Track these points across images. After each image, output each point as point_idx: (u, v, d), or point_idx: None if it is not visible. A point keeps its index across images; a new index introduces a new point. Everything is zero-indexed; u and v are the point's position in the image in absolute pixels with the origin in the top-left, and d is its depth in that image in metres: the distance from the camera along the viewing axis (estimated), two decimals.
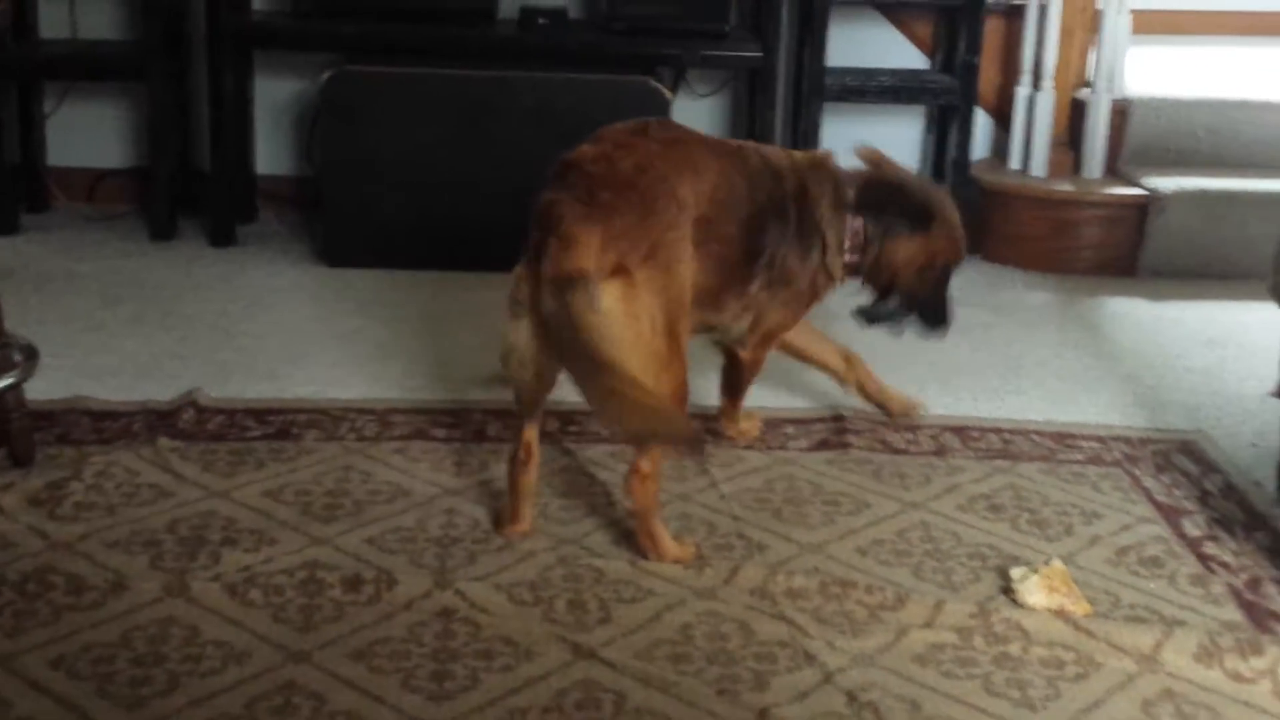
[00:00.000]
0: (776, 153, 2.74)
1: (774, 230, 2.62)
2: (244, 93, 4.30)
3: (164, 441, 2.78)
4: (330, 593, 2.27)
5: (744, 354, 2.81)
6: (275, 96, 4.49)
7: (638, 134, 2.51)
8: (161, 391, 3.05)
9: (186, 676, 2.04)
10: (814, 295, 2.76)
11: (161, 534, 2.44)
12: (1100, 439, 3.02)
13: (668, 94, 4.02)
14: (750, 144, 2.76)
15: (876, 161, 2.76)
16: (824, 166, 2.72)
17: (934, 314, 2.81)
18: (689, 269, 2.42)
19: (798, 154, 2.77)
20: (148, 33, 4.12)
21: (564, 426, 2.96)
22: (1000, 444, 2.97)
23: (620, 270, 2.27)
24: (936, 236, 2.72)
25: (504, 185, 4.00)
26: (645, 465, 2.39)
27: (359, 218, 4.02)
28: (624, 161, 2.40)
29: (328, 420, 2.95)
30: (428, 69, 4.03)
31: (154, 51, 4.11)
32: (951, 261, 2.77)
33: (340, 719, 1.95)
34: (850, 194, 2.69)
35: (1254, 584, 2.42)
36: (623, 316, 2.25)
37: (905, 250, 2.71)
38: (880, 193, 2.70)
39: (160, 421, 2.88)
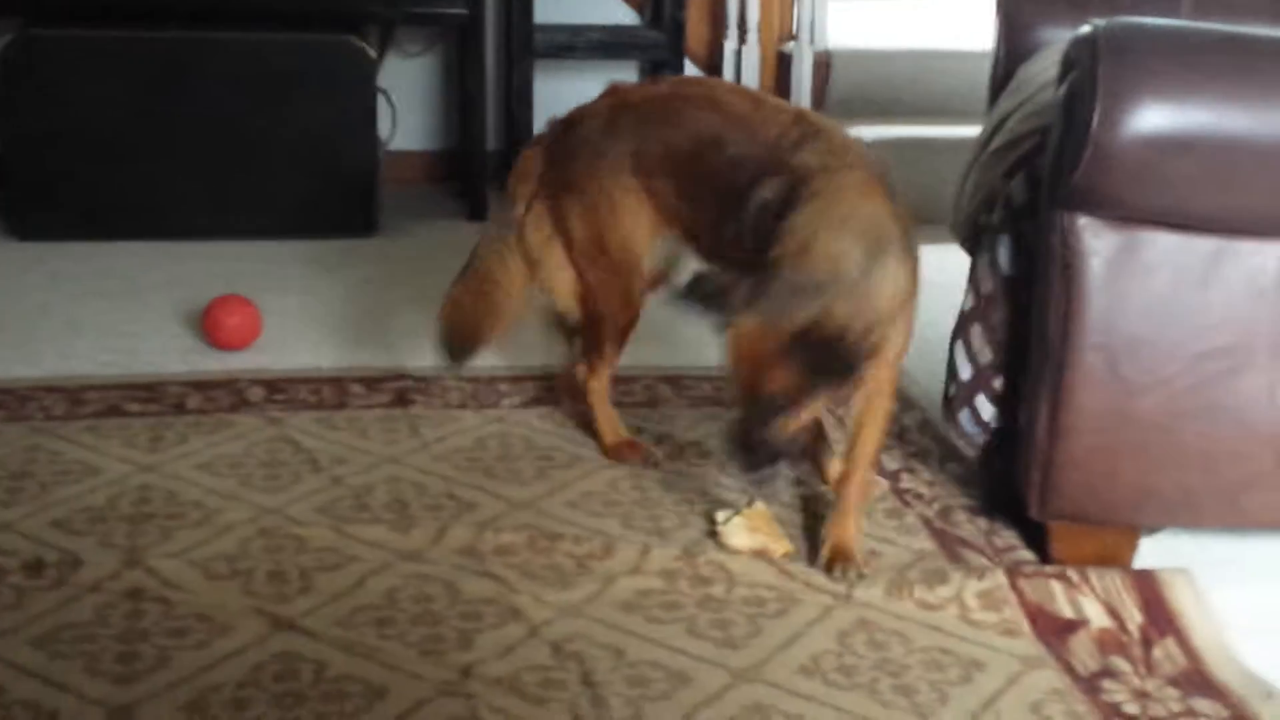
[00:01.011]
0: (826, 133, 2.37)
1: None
2: None
3: None
4: (9, 579, 2.15)
5: None
6: None
7: (626, 88, 2.66)
8: None
9: None
10: None
11: None
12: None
13: (371, 53, 3.94)
14: (802, 116, 2.42)
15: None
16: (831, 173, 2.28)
17: None
18: (617, 209, 2.53)
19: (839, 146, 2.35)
20: None
21: (270, 395, 2.88)
22: (712, 391, 3.01)
23: (537, 199, 2.60)
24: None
25: (202, 150, 3.88)
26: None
27: (49, 188, 3.83)
28: (580, 112, 2.61)
29: (13, 400, 2.80)
30: (118, 30, 3.86)
31: None
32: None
33: (18, 709, 1.85)
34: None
35: (945, 513, 2.51)
36: (536, 236, 2.61)
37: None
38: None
39: None
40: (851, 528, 2.30)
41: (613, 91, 2.64)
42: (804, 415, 2.14)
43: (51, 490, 2.44)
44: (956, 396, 2.46)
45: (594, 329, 2.65)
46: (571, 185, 2.56)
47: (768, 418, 2.10)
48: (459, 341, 2.73)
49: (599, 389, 2.70)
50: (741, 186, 2.38)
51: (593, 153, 2.54)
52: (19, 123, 3.81)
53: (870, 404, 2.32)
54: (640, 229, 2.55)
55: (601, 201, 2.54)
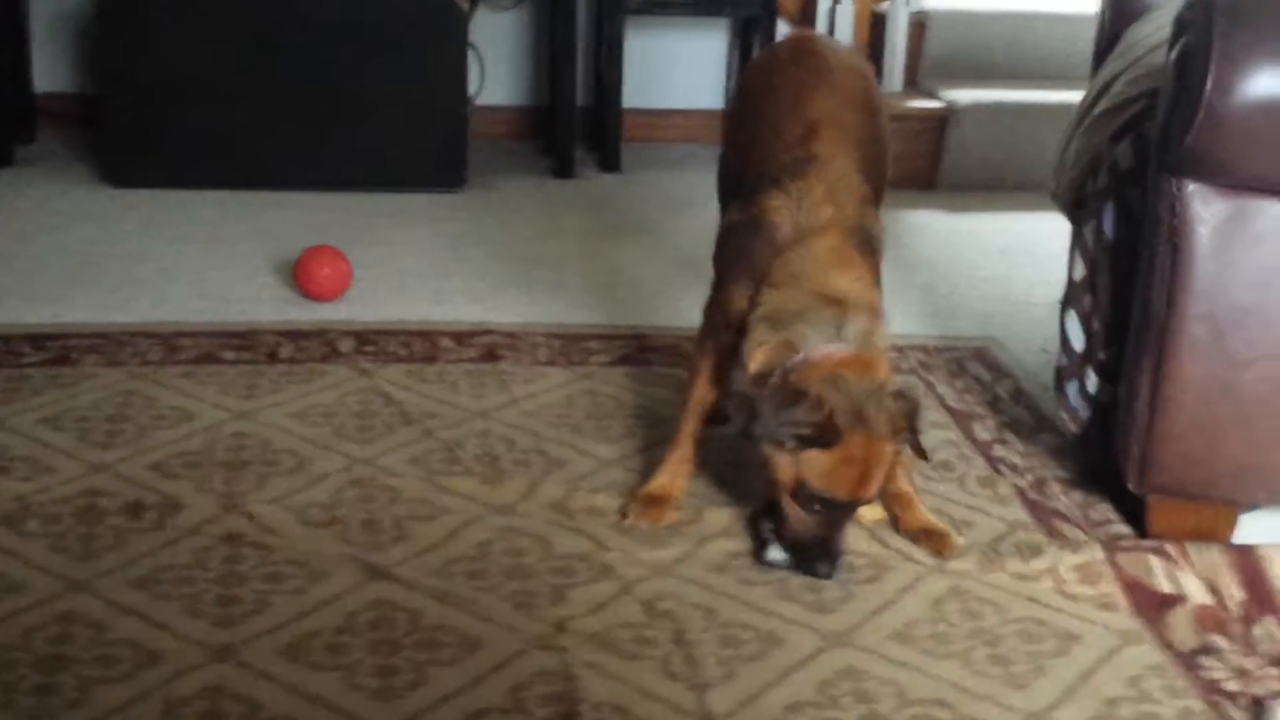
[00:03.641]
0: None
1: None
2: (17, 5, 4.08)
3: None
4: (111, 520, 2.18)
5: None
6: (54, 9, 4.28)
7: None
8: None
9: None
10: None
11: None
12: (897, 348, 3.04)
13: (462, 6, 3.93)
14: (813, 131, 2.29)
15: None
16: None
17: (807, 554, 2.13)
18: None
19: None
20: None
21: (360, 346, 2.90)
22: None
23: None
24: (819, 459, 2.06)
25: (294, 101, 3.89)
26: None
27: (144, 136, 3.87)
28: None
29: (109, 345, 2.83)
30: None
31: None
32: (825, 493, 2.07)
33: (121, 647, 1.88)
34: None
35: (1039, 484, 2.48)
36: None
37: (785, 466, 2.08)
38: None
39: None
40: (918, 511, 2.28)
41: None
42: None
43: (149, 434, 2.47)
44: (1066, 369, 2.43)
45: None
46: None
47: (842, 524, 2.12)
48: None
49: None
50: (746, 172, 2.34)
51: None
52: (115, 71, 3.85)
53: None
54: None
55: None
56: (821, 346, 2.07)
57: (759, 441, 2.07)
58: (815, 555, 2.10)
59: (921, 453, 2.13)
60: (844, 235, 2.16)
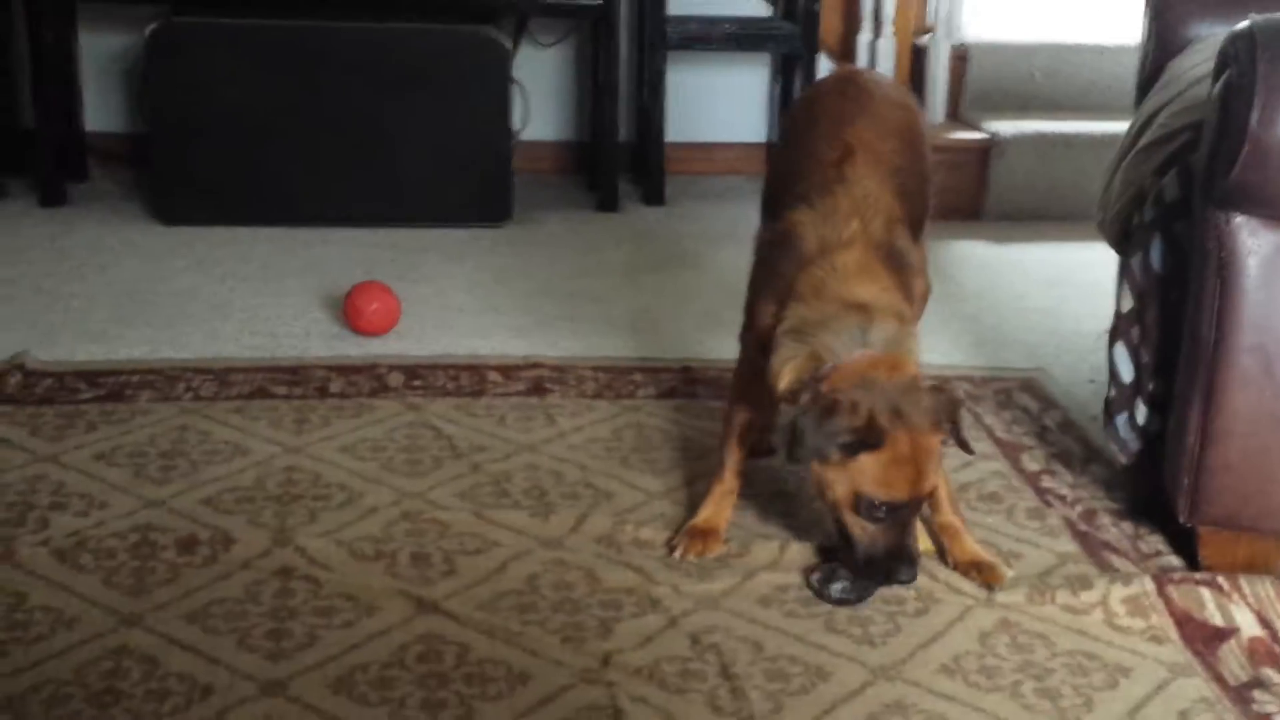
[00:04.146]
0: None
1: None
2: (67, 46, 4.15)
3: None
4: (164, 555, 2.20)
5: None
6: (103, 50, 4.35)
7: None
8: None
9: (13, 644, 1.96)
10: None
11: None
12: (945, 379, 3.05)
13: (505, 43, 3.96)
14: (848, 154, 2.31)
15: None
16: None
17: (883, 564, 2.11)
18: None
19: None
20: None
21: (409, 381, 2.92)
22: None
23: None
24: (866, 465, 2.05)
25: (340, 138, 3.94)
26: None
27: (192, 174, 3.92)
28: None
29: (162, 380, 2.87)
30: (256, 19, 3.93)
31: None
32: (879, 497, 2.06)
33: (173, 681, 1.90)
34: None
35: (1089, 515, 2.47)
36: None
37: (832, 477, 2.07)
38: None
39: None
40: (967, 543, 2.27)
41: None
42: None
43: (201, 469, 2.50)
44: (1116, 400, 2.42)
45: None
46: None
47: (910, 525, 2.10)
48: None
49: None
50: (781, 189, 2.36)
51: None
52: (164, 109, 3.90)
53: None
54: None
55: None
56: (847, 354, 2.07)
57: (806, 462, 2.06)
58: (892, 564, 2.09)
59: (965, 445, 2.12)
60: (869, 249, 2.16)
